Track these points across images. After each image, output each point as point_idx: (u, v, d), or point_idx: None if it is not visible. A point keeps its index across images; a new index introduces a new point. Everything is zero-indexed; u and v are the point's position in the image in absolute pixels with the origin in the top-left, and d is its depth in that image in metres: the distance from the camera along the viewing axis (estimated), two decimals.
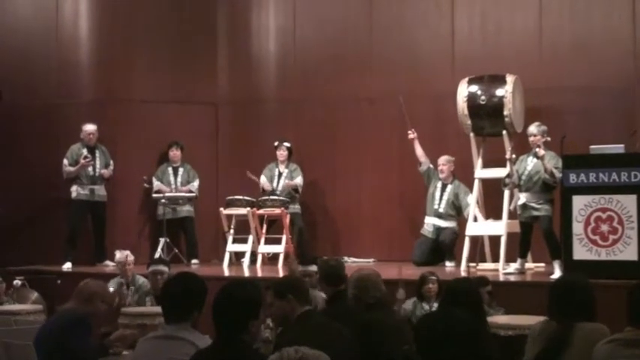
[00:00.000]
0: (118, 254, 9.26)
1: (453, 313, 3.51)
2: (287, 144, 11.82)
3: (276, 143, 11.82)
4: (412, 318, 7.34)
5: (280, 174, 11.79)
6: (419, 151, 11.03)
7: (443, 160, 10.91)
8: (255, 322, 4.24)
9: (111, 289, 8.98)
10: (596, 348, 4.19)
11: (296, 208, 11.71)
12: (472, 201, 10.50)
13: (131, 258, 9.15)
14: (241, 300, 4.15)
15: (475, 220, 10.41)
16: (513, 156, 9.78)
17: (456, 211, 10.86)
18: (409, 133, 10.99)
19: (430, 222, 10.95)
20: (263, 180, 11.73)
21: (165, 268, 8.24)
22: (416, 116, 11.14)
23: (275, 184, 11.74)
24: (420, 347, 3.25)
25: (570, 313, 4.57)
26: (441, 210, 10.87)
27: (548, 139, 9.53)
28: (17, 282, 9.46)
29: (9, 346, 5.87)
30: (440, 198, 10.90)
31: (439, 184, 10.93)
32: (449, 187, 10.89)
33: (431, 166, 11.00)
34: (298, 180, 11.70)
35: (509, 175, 9.78)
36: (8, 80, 12.15)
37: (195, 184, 11.99)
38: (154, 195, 11.88)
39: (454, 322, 3.31)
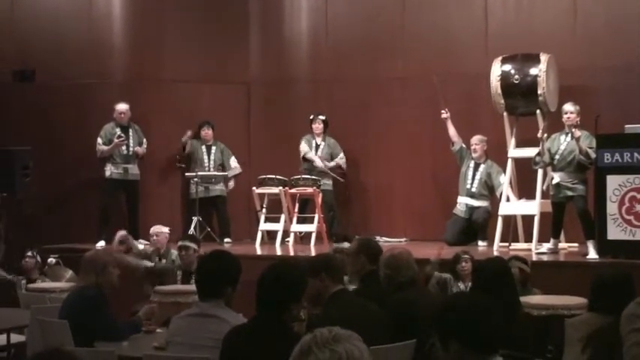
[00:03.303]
0: (153, 228, 9.37)
1: (478, 297, 3.48)
2: (322, 117, 11.85)
3: (311, 117, 11.85)
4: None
5: (317, 146, 11.85)
6: (451, 130, 10.98)
7: (476, 139, 10.84)
8: (297, 305, 4.27)
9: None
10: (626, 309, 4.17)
11: (328, 184, 11.72)
12: (505, 181, 10.45)
13: (159, 230, 9.22)
14: (287, 282, 4.19)
15: (508, 199, 10.36)
16: (545, 135, 9.70)
17: (489, 190, 10.81)
18: (442, 113, 10.94)
19: (463, 202, 10.91)
20: (306, 149, 11.79)
21: (191, 244, 8.34)
22: (449, 96, 11.07)
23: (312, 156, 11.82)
24: (444, 330, 3.21)
25: (616, 308, 4.51)
26: (473, 190, 10.83)
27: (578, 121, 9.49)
28: (52, 260, 9.56)
29: (44, 324, 5.95)
30: (472, 178, 10.85)
31: (472, 164, 10.88)
32: (482, 167, 10.83)
33: (463, 145, 10.95)
34: (341, 161, 11.83)
35: (539, 154, 9.71)
36: (42, 61, 12.23)
37: (233, 162, 12.04)
38: (187, 174, 11.93)
39: (482, 305, 3.26)
